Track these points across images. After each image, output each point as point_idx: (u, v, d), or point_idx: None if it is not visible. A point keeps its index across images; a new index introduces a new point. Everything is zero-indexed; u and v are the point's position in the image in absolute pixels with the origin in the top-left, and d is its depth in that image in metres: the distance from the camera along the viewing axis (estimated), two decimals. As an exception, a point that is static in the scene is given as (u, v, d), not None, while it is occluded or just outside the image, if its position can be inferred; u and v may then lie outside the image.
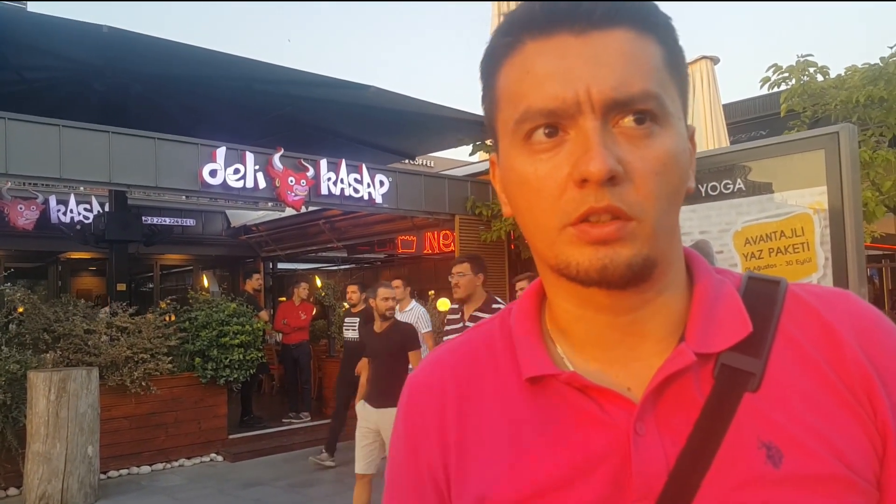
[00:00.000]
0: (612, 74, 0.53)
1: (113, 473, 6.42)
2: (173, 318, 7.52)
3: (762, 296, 0.61)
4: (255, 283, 9.12)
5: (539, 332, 0.65)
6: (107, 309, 7.21)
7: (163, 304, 7.65)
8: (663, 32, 0.57)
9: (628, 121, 0.54)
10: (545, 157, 0.55)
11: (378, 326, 4.76)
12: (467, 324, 4.11)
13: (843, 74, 6.33)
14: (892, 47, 6.13)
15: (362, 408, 4.64)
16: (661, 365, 0.57)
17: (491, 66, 0.60)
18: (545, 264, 0.60)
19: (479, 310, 4.18)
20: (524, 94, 0.55)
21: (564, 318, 0.63)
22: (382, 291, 4.78)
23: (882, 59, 6.08)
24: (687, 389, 0.57)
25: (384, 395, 4.49)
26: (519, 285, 5.87)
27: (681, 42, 0.59)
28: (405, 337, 4.67)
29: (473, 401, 0.65)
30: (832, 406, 0.55)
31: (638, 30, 0.55)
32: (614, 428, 0.57)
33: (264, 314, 8.40)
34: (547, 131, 0.55)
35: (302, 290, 8.91)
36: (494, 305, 4.16)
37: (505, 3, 10.03)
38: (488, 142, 9.10)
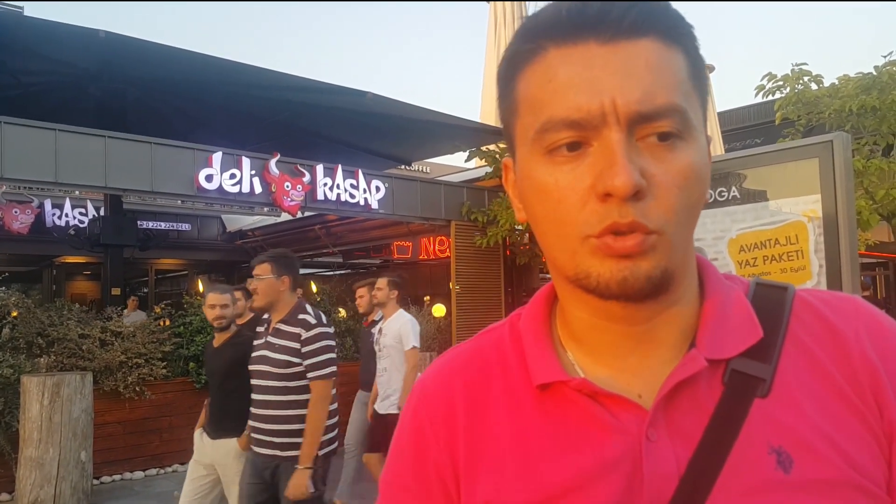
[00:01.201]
0: (639, 86, 0.52)
1: (106, 479, 6.37)
2: (168, 322, 7.49)
3: (771, 301, 0.61)
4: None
5: (549, 339, 0.64)
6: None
7: (157, 309, 7.60)
8: (688, 42, 0.56)
9: (652, 134, 0.53)
10: (567, 168, 0.54)
11: (216, 340, 3.87)
12: (270, 339, 3.24)
13: (836, 83, 6.38)
14: (885, 56, 6.19)
15: (199, 437, 3.78)
16: (671, 371, 0.57)
17: (511, 70, 0.59)
18: (561, 274, 0.59)
19: (284, 321, 3.23)
20: (546, 103, 0.54)
21: (577, 326, 0.62)
22: (211, 297, 3.82)
23: (876, 67, 6.14)
24: (698, 395, 0.57)
25: (219, 425, 3.64)
26: (359, 293, 5.37)
27: (701, 51, 0.58)
28: (244, 353, 3.56)
29: (483, 405, 0.64)
30: (842, 410, 0.56)
31: (665, 40, 0.54)
32: (626, 434, 0.57)
33: (259, 319, 8.37)
34: (569, 144, 0.54)
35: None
36: (301, 316, 3.22)
37: (500, 4, 10.11)
38: (484, 148, 9.12)
